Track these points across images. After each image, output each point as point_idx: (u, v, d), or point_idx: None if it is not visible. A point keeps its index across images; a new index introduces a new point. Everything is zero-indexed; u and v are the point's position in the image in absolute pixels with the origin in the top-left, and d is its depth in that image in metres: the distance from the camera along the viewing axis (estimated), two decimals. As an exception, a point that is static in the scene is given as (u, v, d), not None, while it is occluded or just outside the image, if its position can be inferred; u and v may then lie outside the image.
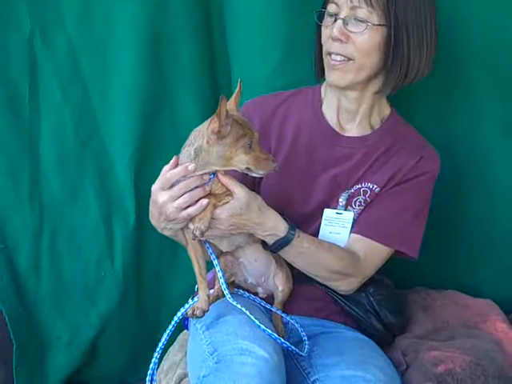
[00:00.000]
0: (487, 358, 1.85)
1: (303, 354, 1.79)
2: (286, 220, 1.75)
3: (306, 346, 1.81)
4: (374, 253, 1.89)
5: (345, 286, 1.89)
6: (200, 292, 1.74)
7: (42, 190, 2.30)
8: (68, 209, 2.32)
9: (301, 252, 1.78)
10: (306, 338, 1.84)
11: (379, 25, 1.80)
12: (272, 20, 2.13)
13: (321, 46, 1.91)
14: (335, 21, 1.82)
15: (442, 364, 1.81)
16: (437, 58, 1.94)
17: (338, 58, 1.84)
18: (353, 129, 1.97)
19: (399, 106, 2.07)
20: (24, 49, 2.21)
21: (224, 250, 1.80)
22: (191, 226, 1.64)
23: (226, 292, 1.76)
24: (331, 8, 1.84)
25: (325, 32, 1.87)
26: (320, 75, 1.98)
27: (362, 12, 1.79)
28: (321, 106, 1.99)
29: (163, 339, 1.79)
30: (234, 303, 1.75)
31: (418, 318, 2.12)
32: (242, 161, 1.62)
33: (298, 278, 1.88)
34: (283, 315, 1.86)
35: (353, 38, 1.81)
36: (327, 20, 1.86)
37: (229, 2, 2.21)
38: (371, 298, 1.95)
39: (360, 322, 1.95)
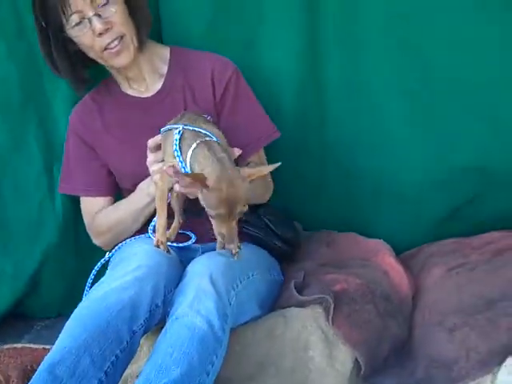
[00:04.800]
0: (375, 283, 2.05)
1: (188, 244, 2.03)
2: None
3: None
4: (262, 160, 2.15)
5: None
6: (158, 220, 1.87)
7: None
8: (12, 157, 2.40)
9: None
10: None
11: None
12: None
13: (70, 63, 2.06)
14: (90, 22, 1.93)
15: (338, 284, 2.00)
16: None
17: (116, 42, 1.97)
18: (148, 87, 2.12)
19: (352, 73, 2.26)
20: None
21: None
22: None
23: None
24: (76, 18, 1.94)
25: (87, 38, 1.97)
26: (81, 88, 2.14)
27: None
28: (120, 87, 2.16)
29: (89, 279, 2.05)
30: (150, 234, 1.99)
31: (321, 251, 2.33)
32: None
33: (191, 212, 1.99)
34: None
35: (112, 21, 1.95)
36: (79, 30, 1.96)
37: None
38: (263, 218, 2.14)
39: (261, 240, 2.12)
